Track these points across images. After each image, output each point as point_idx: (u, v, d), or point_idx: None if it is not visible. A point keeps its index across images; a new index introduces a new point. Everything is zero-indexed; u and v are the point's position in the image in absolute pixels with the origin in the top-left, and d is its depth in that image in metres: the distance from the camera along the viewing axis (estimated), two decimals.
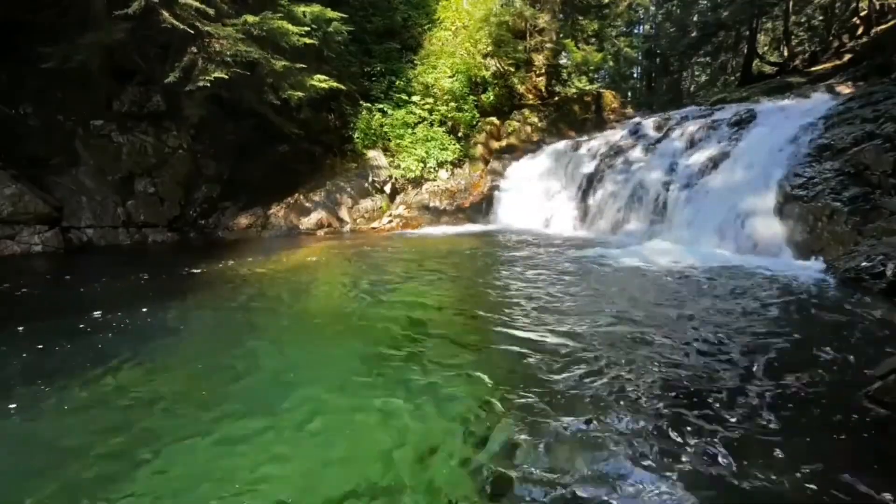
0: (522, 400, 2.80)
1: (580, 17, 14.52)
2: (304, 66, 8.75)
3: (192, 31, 7.41)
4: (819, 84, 11.28)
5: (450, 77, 12.88)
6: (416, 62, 13.22)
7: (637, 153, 9.92)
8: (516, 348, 3.54)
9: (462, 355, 3.48)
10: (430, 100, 12.59)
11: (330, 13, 9.43)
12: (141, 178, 9.77)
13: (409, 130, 12.31)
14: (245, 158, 10.98)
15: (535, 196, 11.31)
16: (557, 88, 13.99)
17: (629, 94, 23.55)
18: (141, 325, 4.27)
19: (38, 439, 2.56)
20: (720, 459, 2.20)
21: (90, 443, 2.50)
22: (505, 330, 3.95)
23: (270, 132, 10.64)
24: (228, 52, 7.70)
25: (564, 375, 3.08)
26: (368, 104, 12.09)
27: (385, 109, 12.30)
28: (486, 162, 12.88)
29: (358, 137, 11.88)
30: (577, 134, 13.01)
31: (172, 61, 7.85)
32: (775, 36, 21.44)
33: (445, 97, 12.67)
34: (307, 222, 10.58)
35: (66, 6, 8.14)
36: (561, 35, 13.85)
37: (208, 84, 7.69)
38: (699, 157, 8.41)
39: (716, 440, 2.34)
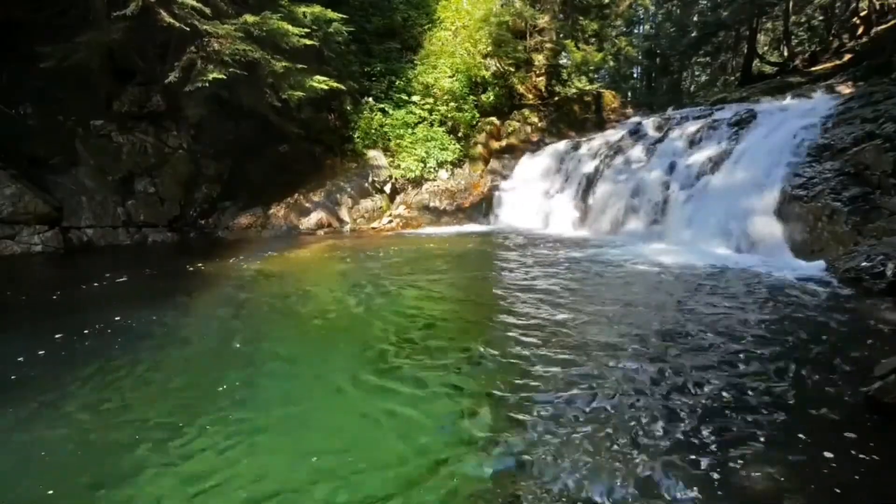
0: (521, 401, 2.80)
1: (580, 17, 14.49)
2: (304, 66, 8.74)
3: (190, 30, 7.40)
4: (819, 84, 11.27)
5: (450, 77, 12.87)
6: (416, 62, 13.20)
7: (637, 153, 9.91)
8: (516, 349, 3.54)
9: (461, 355, 3.48)
10: (430, 100, 12.58)
11: (330, 14, 9.42)
12: (141, 178, 9.77)
13: (409, 130, 12.30)
14: (245, 158, 10.98)
15: (535, 196, 11.30)
16: (557, 88, 13.96)
17: (629, 94, 23.49)
18: (141, 325, 4.27)
19: (36, 440, 2.56)
20: (719, 459, 2.20)
21: (88, 444, 2.50)
22: (504, 330, 3.95)
23: (270, 132, 10.63)
24: (227, 52, 7.69)
25: (563, 377, 3.08)
26: (370, 102, 12.09)
27: (385, 109, 12.29)
28: (486, 162, 12.88)
29: (358, 137, 11.87)
30: (577, 134, 13.00)
31: (172, 61, 7.85)
32: (775, 36, 21.41)
33: (445, 97, 12.66)
34: (307, 222, 10.58)
35: (65, 6, 8.14)
36: (561, 35, 13.83)
37: (207, 84, 7.68)
38: (699, 157, 8.40)
39: (715, 440, 2.34)
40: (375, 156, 11.91)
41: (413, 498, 2.04)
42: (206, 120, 10.24)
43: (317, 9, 9.14)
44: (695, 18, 20.21)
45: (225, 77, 7.70)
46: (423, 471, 2.21)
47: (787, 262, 5.87)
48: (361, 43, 12.58)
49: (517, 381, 3.02)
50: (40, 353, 3.63)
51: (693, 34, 19.57)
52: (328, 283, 6.01)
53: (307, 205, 10.83)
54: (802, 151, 6.92)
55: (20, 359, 3.51)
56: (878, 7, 13.98)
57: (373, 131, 11.96)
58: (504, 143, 13.20)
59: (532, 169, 12.04)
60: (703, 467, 2.15)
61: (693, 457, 2.22)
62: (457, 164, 12.56)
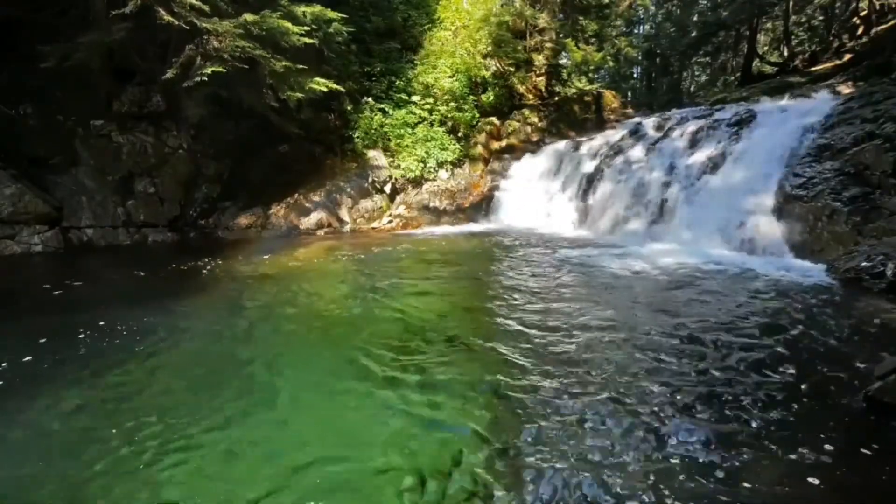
0: (519, 402, 2.80)
1: (580, 17, 14.48)
2: (304, 67, 8.73)
3: (189, 28, 7.39)
4: (819, 84, 11.27)
5: (450, 77, 12.86)
6: (416, 62, 13.20)
7: (637, 153, 9.91)
8: (514, 350, 3.53)
9: (460, 357, 3.49)
10: (430, 100, 12.58)
11: (330, 13, 9.40)
12: (141, 178, 9.77)
13: (410, 130, 12.30)
14: (245, 158, 10.98)
15: (536, 196, 11.30)
16: (557, 88, 13.95)
17: (629, 94, 23.53)
18: (140, 325, 4.27)
19: (36, 440, 2.56)
20: (720, 460, 2.20)
21: (88, 444, 2.50)
22: (503, 331, 3.95)
23: (270, 132, 10.63)
24: (227, 49, 7.67)
25: (563, 377, 3.08)
26: (370, 102, 12.09)
27: (385, 109, 12.29)
28: (486, 162, 12.87)
29: (358, 137, 11.87)
30: (577, 134, 13.00)
31: (171, 58, 7.84)
32: (775, 36, 21.43)
33: (445, 97, 12.66)
34: (307, 222, 10.58)
35: (65, 6, 8.14)
36: (561, 35, 13.82)
37: (205, 79, 7.65)
38: (699, 157, 8.40)
39: (716, 440, 2.34)
40: (375, 156, 11.91)
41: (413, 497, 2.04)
42: (205, 120, 10.24)
43: (317, 8, 9.12)
44: (695, 18, 20.22)
45: (224, 71, 7.67)
46: (422, 471, 2.21)
47: (787, 262, 5.88)
48: (361, 43, 12.57)
49: (518, 383, 3.02)
50: (26, 358, 3.57)
51: (693, 34, 19.59)
52: (328, 284, 6.00)
53: (307, 205, 10.83)
54: (802, 151, 6.92)
55: (9, 356, 3.51)
56: (878, 7, 13.98)
57: (373, 131, 11.96)
58: (504, 143, 13.20)
59: (532, 169, 12.04)
60: (701, 467, 2.15)
61: (692, 456, 2.22)
62: (457, 164, 12.56)
